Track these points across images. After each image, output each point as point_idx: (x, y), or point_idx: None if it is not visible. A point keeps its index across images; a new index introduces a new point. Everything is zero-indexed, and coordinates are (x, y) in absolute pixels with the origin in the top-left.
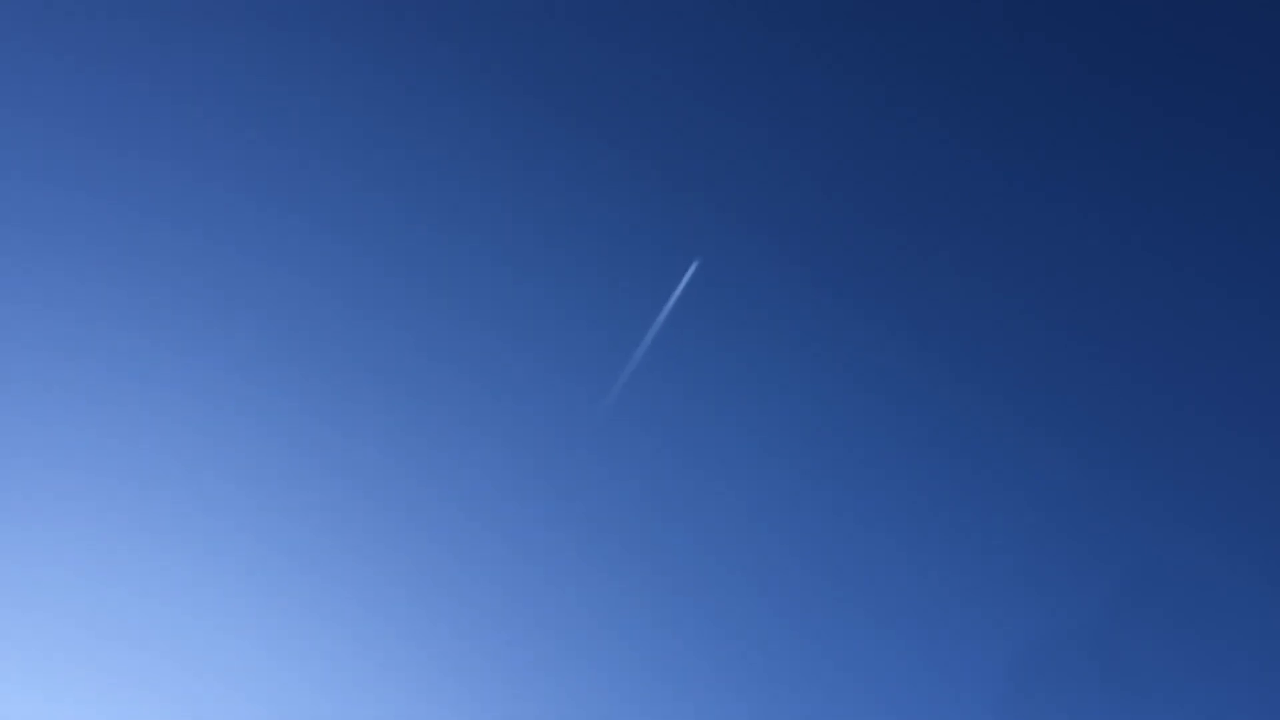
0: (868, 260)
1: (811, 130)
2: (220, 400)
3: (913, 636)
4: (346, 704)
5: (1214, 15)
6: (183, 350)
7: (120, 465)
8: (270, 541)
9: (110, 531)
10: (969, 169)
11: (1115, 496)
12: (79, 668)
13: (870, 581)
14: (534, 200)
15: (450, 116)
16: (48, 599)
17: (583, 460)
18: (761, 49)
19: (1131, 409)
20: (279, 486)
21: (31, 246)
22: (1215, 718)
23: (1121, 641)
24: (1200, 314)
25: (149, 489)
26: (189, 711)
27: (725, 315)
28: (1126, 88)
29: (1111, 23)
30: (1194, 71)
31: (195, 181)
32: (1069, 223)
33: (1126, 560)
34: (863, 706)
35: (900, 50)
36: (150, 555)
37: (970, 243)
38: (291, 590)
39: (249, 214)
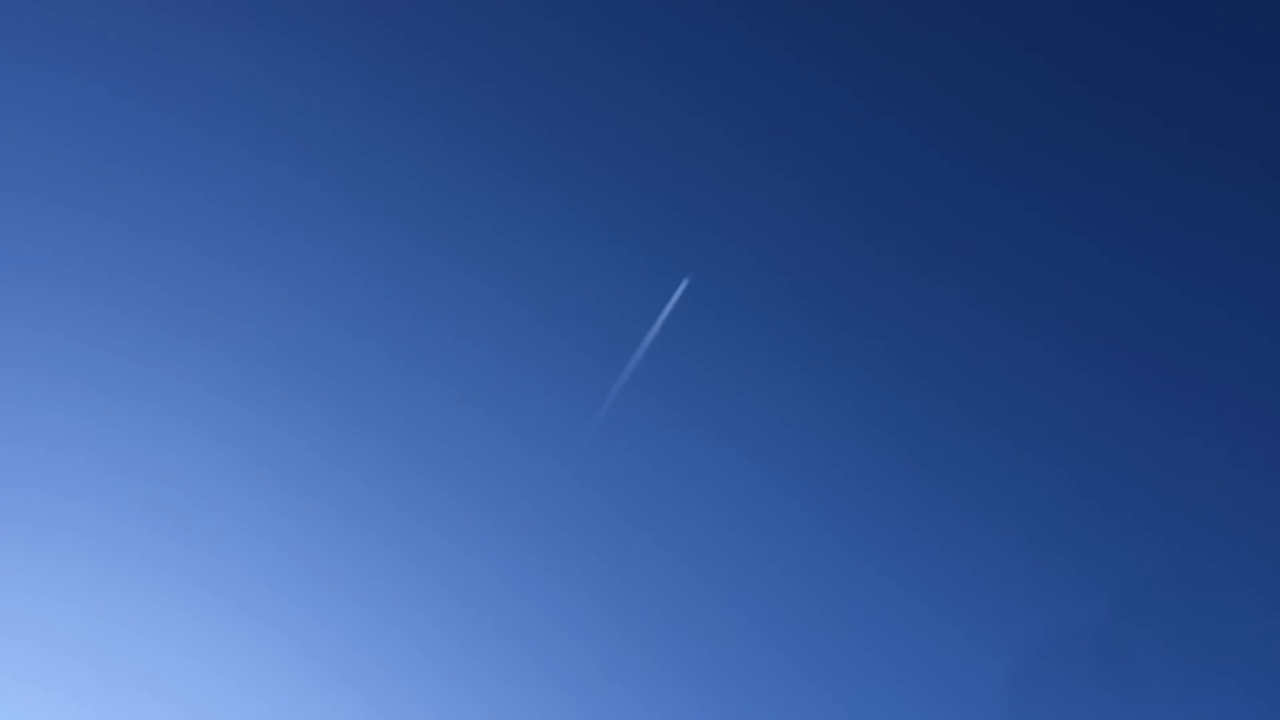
0: (866, 277)
1: (807, 146)
2: (194, 413)
3: (913, 644)
4: None
5: (1195, 22)
6: (157, 360)
7: (99, 475)
8: (242, 564)
9: (80, 548)
10: (969, 186)
11: (1115, 500)
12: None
13: (869, 590)
14: (522, 214)
15: (435, 126)
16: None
17: (569, 481)
18: (756, 62)
19: (1131, 410)
20: (251, 505)
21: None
22: None
23: (1123, 647)
24: (1198, 315)
25: (131, 499)
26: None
27: (716, 334)
28: (1115, 99)
29: (1094, 32)
30: (1173, 78)
31: (168, 184)
32: (1061, 229)
33: (1127, 565)
34: (865, 712)
35: (899, 64)
36: (121, 572)
37: (972, 258)
38: (265, 613)
39: (229, 218)
